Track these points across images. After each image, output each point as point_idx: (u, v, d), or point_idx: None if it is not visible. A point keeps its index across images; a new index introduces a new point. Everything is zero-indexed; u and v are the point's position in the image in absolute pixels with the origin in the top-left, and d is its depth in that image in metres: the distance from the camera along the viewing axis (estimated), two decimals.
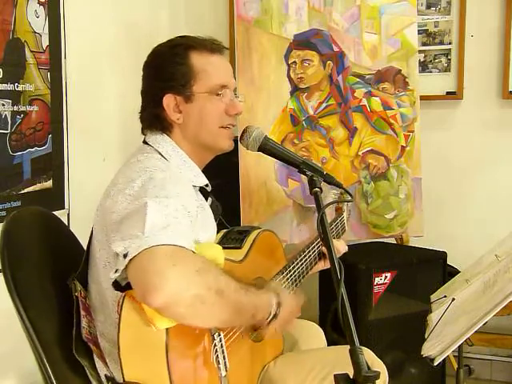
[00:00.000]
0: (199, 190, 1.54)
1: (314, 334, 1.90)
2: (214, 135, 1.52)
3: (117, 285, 1.24)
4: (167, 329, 1.18)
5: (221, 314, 1.22)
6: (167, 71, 1.48)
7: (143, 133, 1.55)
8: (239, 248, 1.56)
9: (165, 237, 1.17)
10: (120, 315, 1.19)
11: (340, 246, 1.82)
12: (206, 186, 1.55)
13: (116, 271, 1.19)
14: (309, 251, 1.75)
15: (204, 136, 1.52)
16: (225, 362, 1.34)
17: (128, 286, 1.22)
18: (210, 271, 1.21)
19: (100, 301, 1.40)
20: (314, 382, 1.55)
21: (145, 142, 1.52)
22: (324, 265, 1.81)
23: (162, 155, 1.47)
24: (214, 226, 1.56)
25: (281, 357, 1.67)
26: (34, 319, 1.34)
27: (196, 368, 1.28)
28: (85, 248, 1.51)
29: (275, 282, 1.55)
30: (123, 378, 1.20)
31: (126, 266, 1.16)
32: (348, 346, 1.12)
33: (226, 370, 1.33)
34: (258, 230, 1.65)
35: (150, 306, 1.14)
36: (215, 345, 1.32)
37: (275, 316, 1.37)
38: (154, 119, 1.50)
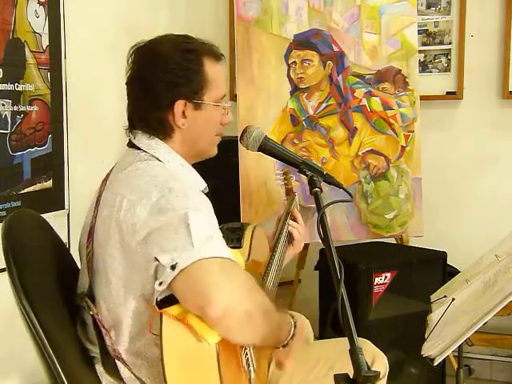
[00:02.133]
0: None
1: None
2: (210, 142, 1.54)
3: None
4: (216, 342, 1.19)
5: (261, 333, 1.26)
6: (182, 77, 1.44)
7: (131, 132, 1.49)
8: (239, 247, 1.58)
9: (213, 249, 1.19)
10: (161, 335, 1.17)
11: (299, 218, 1.85)
12: (204, 188, 1.54)
13: (161, 284, 1.18)
14: (282, 239, 1.76)
15: (202, 142, 1.52)
16: (253, 364, 1.36)
17: (160, 304, 1.21)
18: (259, 291, 1.27)
19: (111, 317, 1.36)
20: (321, 371, 1.59)
21: (134, 146, 1.47)
22: (293, 247, 1.83)
23: (160, 160, 1.43)
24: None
25: None
26: (43, 319, 1.32)
27: (234, 374, 1.29)
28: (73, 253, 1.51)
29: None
30: None
31: (175, 277, 1.16)
32: None
33: (254, 371, 1.36)
34: (251, 228, 1.67)
35: (206, 317, 1.15)
36: (245, 348, 1.34)
37: (292, 337, 1.39)
38: (156, 122, 1.46)
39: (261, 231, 1.73)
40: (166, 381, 1.17)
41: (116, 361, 1.34)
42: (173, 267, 1.16)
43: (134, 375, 1.33)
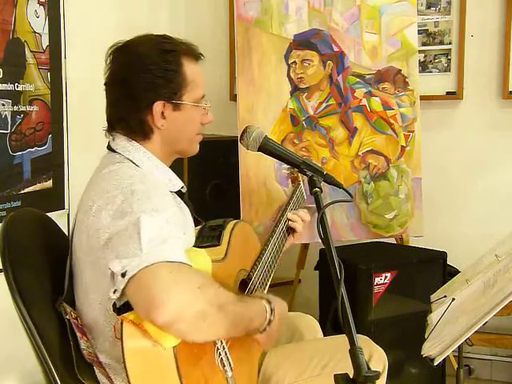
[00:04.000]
0: (175, 192, 1.52)
1: (310, 326, 1.90)
2: (191, 142, 1.54)
3: (113, 306, 1.23)
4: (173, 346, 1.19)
5: (221, 328, 1.24)
6: (161, 77, 1.44)
7: (110, 134, 1.50)
8: (218, 245, 1.54)
9: (164, 252, 1.18)
10: (122, 342, 1.18)
11: (304, 215, 1.81)
12: (182, 187, 1.53)
13: (115, 291, 1.18)
14: (278, 230, 1.73)
15: (182, 142, 1.52)
16: (229, 363, 1.35)
17: (123, 308, 1.21)
18: (211, 286, 1.24)
19: (92, 319, 1.37)
20: (315, 371, 1.57)
21: (111, 149, 1.47)
22: (294, 239, 1.81)
23: (134, 162, 1.43)
24: (192, 224, 1.55)
25: (280, 347, 1.67)
26: (37, 319, 1.33)
27: (205, 375, 1.28)
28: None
29: (261, 292, 1.57)
30: None
31: (126, 284, 1.16)
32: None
33: (231, 370, 1.35)
34: (232, 223, 1.62)
35: (155, 323, 1.14)
36: (218, 348, 1.33)
37: (269, 322, 1.38)
38: (136, 124, 1.46)
39: (245, 226, 1.69)
40: None
41: (93, 366, 1.35)
42: (123, 275, 1.17)
43: (108, 377, 1.33)
